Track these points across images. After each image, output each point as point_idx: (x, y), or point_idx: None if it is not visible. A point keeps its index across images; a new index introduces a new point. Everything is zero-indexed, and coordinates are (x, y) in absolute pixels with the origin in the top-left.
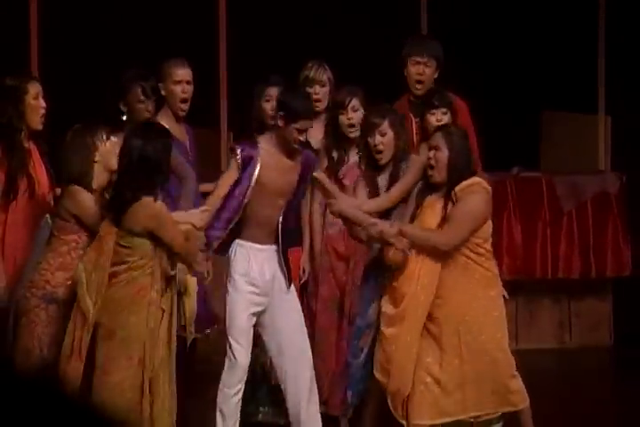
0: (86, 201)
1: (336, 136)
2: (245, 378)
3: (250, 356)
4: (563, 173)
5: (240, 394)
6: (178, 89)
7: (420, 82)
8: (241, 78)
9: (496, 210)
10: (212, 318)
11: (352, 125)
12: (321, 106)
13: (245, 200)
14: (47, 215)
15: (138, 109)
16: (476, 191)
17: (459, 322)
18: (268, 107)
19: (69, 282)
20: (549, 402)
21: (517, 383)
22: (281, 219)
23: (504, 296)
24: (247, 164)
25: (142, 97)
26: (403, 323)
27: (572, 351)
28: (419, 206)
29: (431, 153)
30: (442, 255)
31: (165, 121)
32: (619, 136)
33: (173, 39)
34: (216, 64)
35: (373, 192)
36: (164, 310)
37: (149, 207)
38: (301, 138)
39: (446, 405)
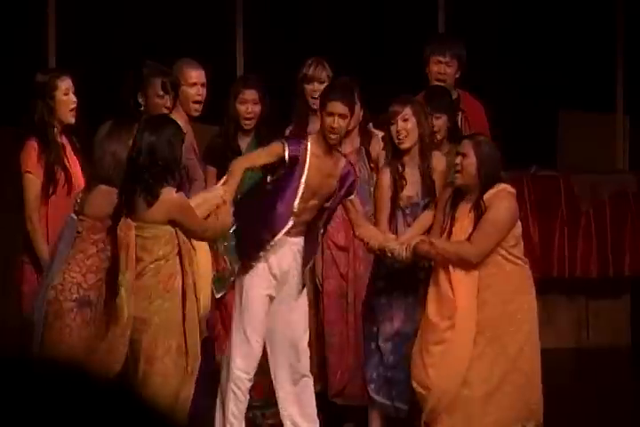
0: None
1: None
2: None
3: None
4: (580, 172)
5: (250, 382)
6: (192, 91)
7: (441, 81)
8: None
9: None
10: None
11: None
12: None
13: (295, 205)
14: (72, 214)
15: (155, 104)
16: (502, 197)
17: (495, 329)
18: (243, 109)
19: (100, 284)
20: (567, 402)
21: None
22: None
23: None
24: (294, 164)
25: (161, 92)
26: (454, 339)
27: (590, 351)
28: (451, 217)
29: (458, 159)
30: (481, 263)
31: (177, 120)
32: (637, 135)
33: (192, 29)
34: (233, 60)
35: (397, 180)
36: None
37: (173, 198)
38: (335, 125)
39: (480, 417)
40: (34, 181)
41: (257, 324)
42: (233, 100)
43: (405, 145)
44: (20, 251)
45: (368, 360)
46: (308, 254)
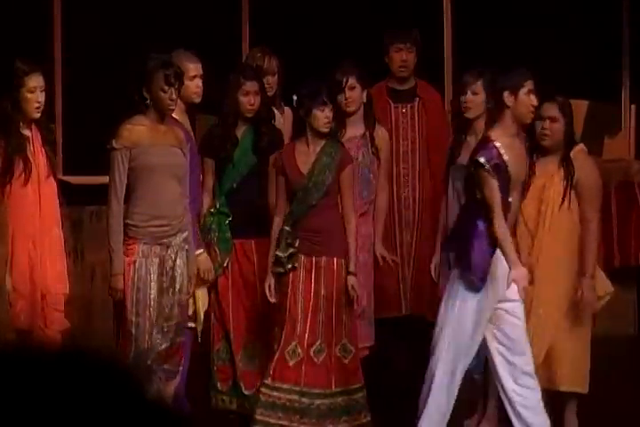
0: None
1: (336, 111)
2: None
3: None
4: None
5: None
6: (192, 84)
7: (404, 68)
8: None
9: None
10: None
11: (350, 102)
12: (271, 92)
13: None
14: None
15: (160, 97)
16: (586, 158)
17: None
18: (245, 100)
19: None
20: None
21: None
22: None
23: None
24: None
25: (165, 86)
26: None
27: (596, 340)
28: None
29: (546, 123)
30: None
31: (175, 112)
32: None
33: (196, 21)
34: (239, 50)
35: (455, 148)
36: None
37: None
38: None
39: None
40: None
41: None
42: (234, 92)
43: (469, 115)
44: None
45: None
46: None
